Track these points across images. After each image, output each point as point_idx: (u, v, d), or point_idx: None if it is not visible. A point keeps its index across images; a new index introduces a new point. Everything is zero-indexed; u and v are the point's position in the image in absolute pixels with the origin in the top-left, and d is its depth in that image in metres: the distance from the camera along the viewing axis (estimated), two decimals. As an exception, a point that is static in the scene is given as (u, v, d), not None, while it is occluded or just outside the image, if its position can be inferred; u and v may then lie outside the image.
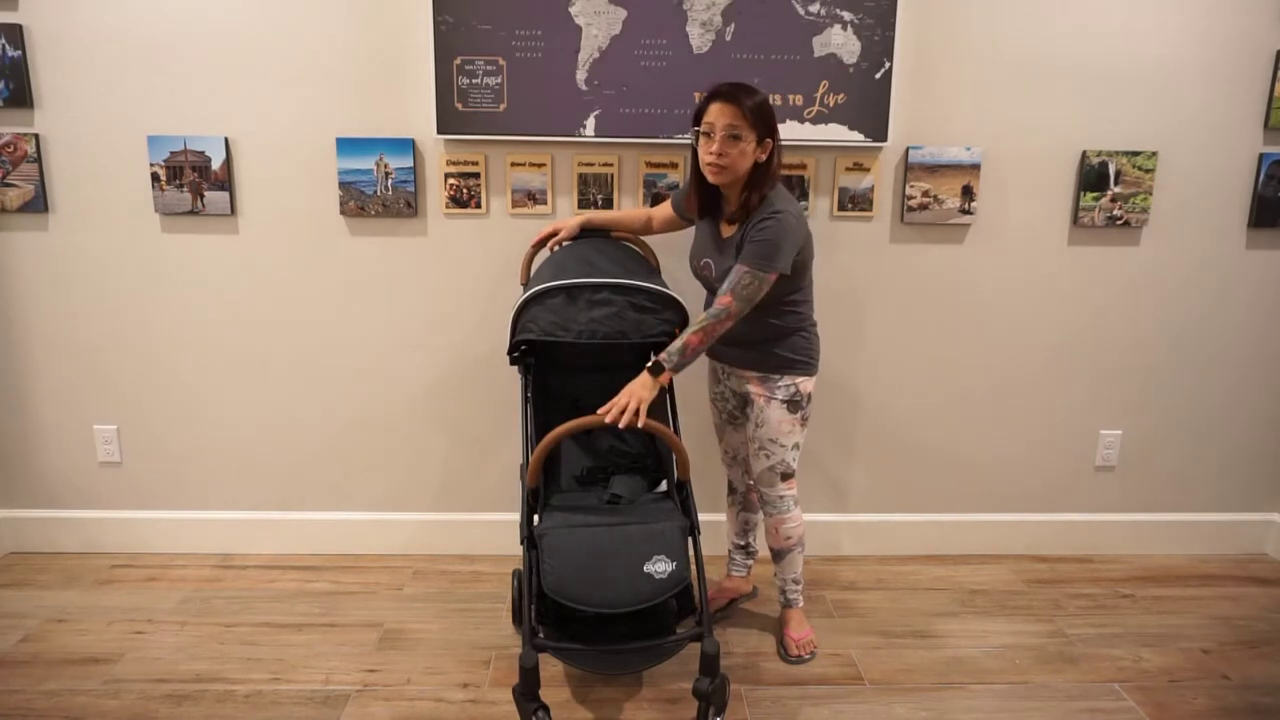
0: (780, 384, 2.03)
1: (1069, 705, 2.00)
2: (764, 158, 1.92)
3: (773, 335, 2.00)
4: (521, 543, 1.88)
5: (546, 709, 1.78)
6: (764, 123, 1.89)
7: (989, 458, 2.71)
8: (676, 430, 2.08)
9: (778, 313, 1.99)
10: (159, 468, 2.64)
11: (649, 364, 1.87)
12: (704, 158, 1.93)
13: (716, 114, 1.88)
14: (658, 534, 1.83)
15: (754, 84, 1.93)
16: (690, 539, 1.88)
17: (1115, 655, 2.21)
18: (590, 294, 1.88)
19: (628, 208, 2.47)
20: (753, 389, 2.07)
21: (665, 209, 2.23)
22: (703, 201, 2.05)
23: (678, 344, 1.88)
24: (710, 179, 1.94)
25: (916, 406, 2.66)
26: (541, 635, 1.81)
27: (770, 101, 1.94)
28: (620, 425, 1.81)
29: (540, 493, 1.97)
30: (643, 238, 2.33)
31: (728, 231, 2.01)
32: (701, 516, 2.66)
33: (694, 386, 2.46)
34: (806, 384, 2.06)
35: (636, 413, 1.81)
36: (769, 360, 2.02)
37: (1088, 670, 2.14)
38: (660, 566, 1.79)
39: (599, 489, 2.09)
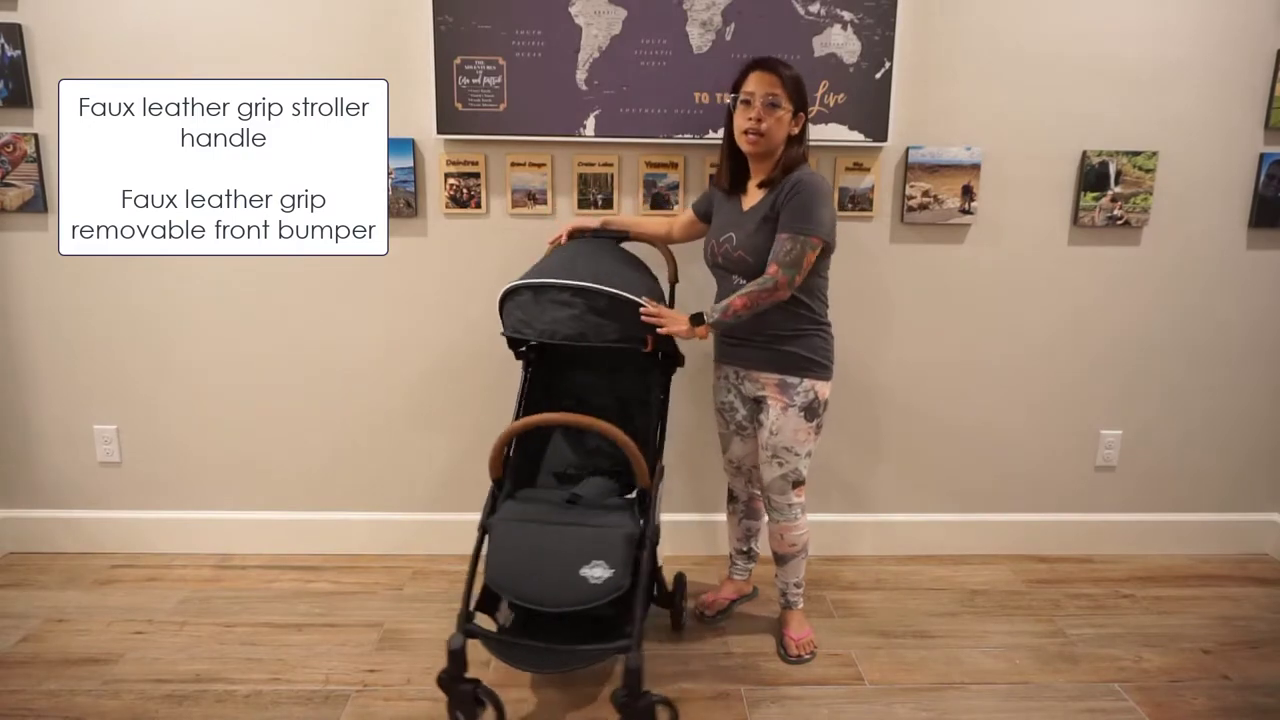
0: (799, 389, 2.01)
1: (1069, 705, 2.00)
2: (797, 131, 1.97)
3: (790, 330, 1.99)
4: (479, 530, 1.90)
5: (479, 684, 1.80)
6: (800, 95, 1.96)
7: (989, 458, 2.71)
8: (663, 430, 2.07)
9: (796, 301, 1.96)
10: (159, 468, 2.64)
11: (693, 314, 1.92)
12: (741, 125, 1.96)
13: (756, 82, 1.94)
14: (600, 539, 1.81)
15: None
16: (641, 548, 1.81)
17: (1115, 655, 2.21)
18: (554, 294, 1.87)
19: (627, 208, 2.47)
20: (770, 395, 2.04)
21: (686, 214, 2.25)
22: (734, 174, 2.07)
23: (723, 302, 1.91)
24: (746, 148, 1.98)
25: (916, 406, 2.66)
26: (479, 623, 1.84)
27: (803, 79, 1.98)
28: (654, 326, 1.88)
29: (505, 483, 1.99)
30: (669, 246, 2.31)
31: (750, 203, 2.02)
32: (701, 517, 2.69)
33: (693, 386, 2.46)
34: (824, 389, 2.04)
35: (662, 333, 1.89)
36: (787, 361, 2.00)
37: (1088, 670, 2.14)
38: (597, 572, 1.76)
39: (569, 488, 2.08)
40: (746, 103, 1.94)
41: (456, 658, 1.77)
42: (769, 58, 1.96)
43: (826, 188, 1.95)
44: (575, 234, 2.21)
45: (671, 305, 2.10)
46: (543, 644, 1.79)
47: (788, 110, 1.93)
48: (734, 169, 2.07)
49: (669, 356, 2.09)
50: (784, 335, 2.00)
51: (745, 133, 1.95)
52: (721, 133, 2.27)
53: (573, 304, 1.85)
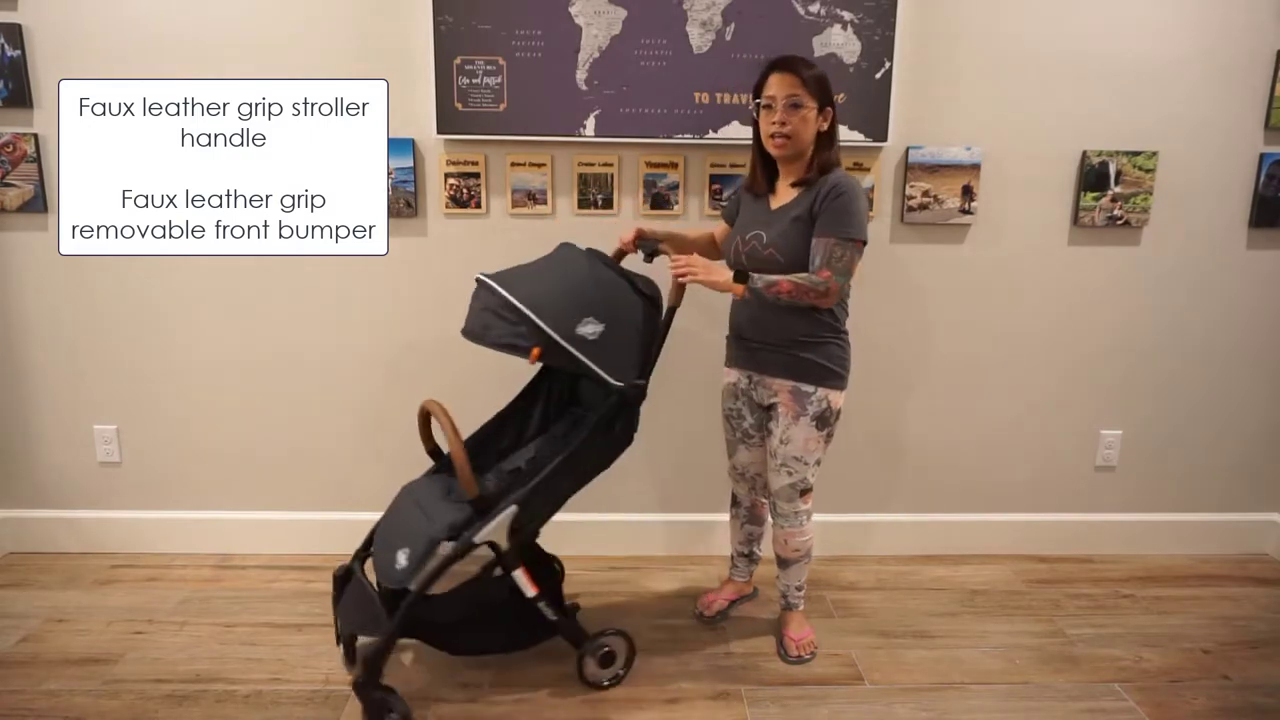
0: (812, 399, 1.99)
1: (1069, 705, 2.00)
2: (825, 126, 1.94)
3: (810, 337, 1.97)
4: None
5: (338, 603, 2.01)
6: (823, 91, 1.92)
7: (989, 458, 2.71)
8: (620, 436, 1.97)
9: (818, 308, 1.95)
10: (159, 468, 2.64)
11: (738, 270, 1.88)
12: (766, 129, 1.94)
13: (776, 85, 1.91)
14: (416, 529, 1.84)
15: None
16: (434, 549, 1.79)
17: (1115, 655, 2.21)
18: (481, 292, 1.88)
19: (627, 208, 2.47)
20: (782, 402, 2.02)
21: (720, 226, 2.24)
22: (769, 175, 2.05)
23: (771, 277, 1.86)
24: (775, 152, 1.95)
25: (916, 406, 2.66)
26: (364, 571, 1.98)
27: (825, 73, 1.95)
28: (675, 276, 1.86)
29: (440, 455, 2.14)
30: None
31: (779, 202, 2.00)
32: (702, 517, 2.68)
33: (700, 385, 2.46)
34: (837, 399, 2.02)
35: (685, 283, 1.88)
36: (802, 368, 1.98)
37: (1088, 670, 2.14)
38: (401, 558, 1.81)
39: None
40: (769, 107, 1.92)
41: (336, 583, 2.02)
42: (788, 57, 1.92)
43: (860, 188, 1.92)
44: (639, 236, 2.07)
45: (666, 329, 1.95)
46: (354, 600, 1.94)
47: (812, 108, 1.90)
48: (768, 170, 2.04)
49: (596, 384, 1.88)
50: (803, 341, 1.97)
51: (771, 136, 1.92)
52: (722, 132, 2.27)
53: (480, 298, 1.88)
